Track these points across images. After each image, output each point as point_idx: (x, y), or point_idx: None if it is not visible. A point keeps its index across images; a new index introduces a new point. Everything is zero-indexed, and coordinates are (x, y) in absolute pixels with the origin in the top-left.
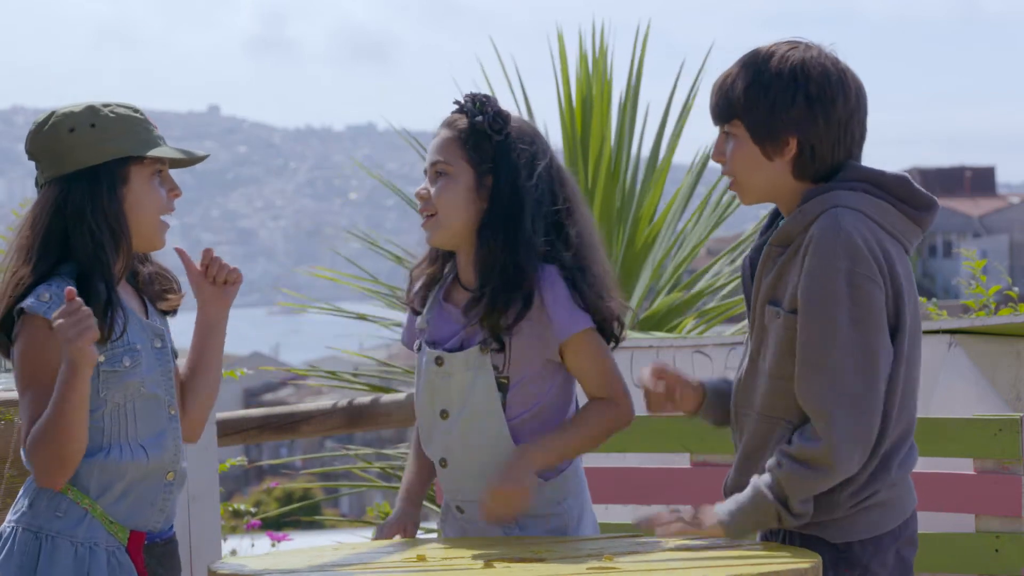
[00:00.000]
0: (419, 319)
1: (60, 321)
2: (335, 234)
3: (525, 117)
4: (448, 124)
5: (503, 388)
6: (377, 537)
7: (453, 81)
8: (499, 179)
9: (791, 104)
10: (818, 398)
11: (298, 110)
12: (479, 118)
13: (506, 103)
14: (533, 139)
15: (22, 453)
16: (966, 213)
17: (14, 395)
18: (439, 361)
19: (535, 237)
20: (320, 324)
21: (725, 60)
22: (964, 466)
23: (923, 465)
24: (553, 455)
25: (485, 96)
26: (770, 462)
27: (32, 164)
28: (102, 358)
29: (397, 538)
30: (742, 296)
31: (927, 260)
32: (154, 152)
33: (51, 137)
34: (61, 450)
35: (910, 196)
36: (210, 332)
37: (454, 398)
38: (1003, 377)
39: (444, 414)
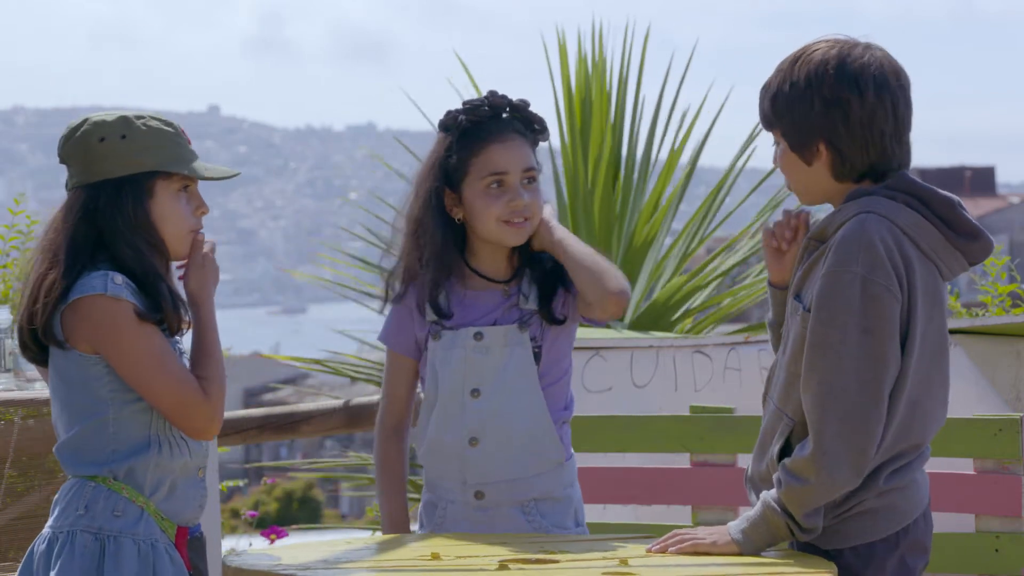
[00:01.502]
0: (429, 314)
1: (207, 254)
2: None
3: None
4: (517, 130)
5: (537, 358)
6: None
7: (448, 81)
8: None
9: (810, 110)
10: (814, 405)
11: (298, 110)
12: (542, 135)
13: None
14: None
15: (59, 448)
16: None
17: (14, 395)
18: (478, 336)
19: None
20: (320, 324)
21: (724, 60)
22: (964, 466)
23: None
24: (563, 232)
25: (526, 102)
26: (775, 475)
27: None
28: None
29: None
30: (742, 295)
31: None
32: (183, 169)
33: (81, 144)
34: (224, 386)
35: (955, 220)
36: (192, 306)
37: (487, 375)
38: (1003, 377)
39: (476, 393)
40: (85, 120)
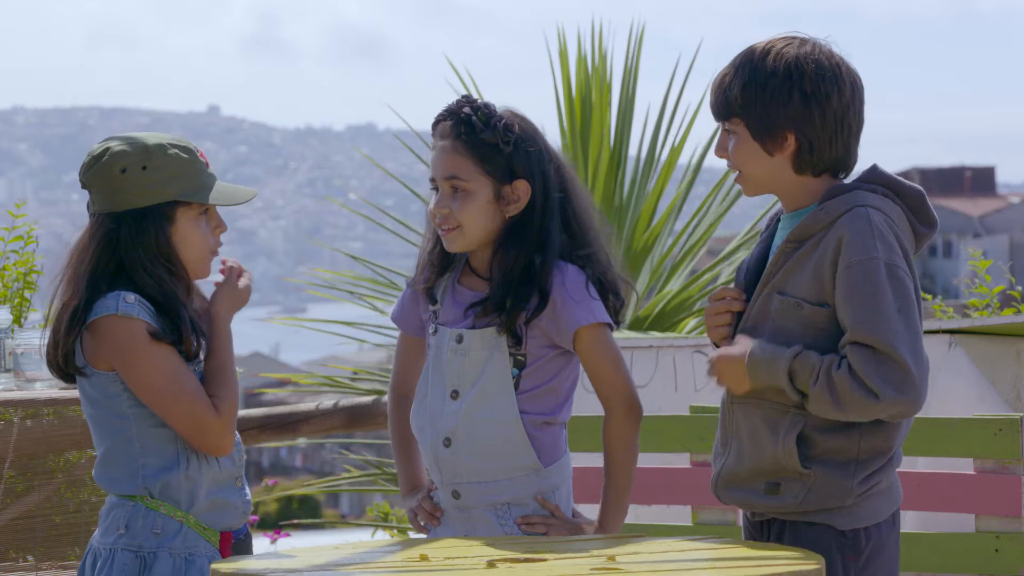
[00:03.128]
0: (435, 302)
1: (245, 282)
2: (335, 234)
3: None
4: (449, 135)
5: (520, 365)
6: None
7: (446, 81)
8: (518, 190)
9: (787, 101)
10: (890, 358)
11: (298, 110)
12: (486, 133)
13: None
14: (533, 136)
15: (98, 468)
16: (966, 213)
17: (14, 395)
18: (459, 339)
19: (554, 235)
20: (320, 324)
21: (725, 60)
22: (964, 466)
23: (923, 465)
24: (620, 512)
25: (484, 105)
26: (822, 357)
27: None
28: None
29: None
30: None
31: (927, 260)
32: (203, 198)
33: (102, 174)
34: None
35: (921, 211)
36: (214, 326)
37: (467, 377)
38: (1003, 377)
39: (455, 394)
40: (107, 150)
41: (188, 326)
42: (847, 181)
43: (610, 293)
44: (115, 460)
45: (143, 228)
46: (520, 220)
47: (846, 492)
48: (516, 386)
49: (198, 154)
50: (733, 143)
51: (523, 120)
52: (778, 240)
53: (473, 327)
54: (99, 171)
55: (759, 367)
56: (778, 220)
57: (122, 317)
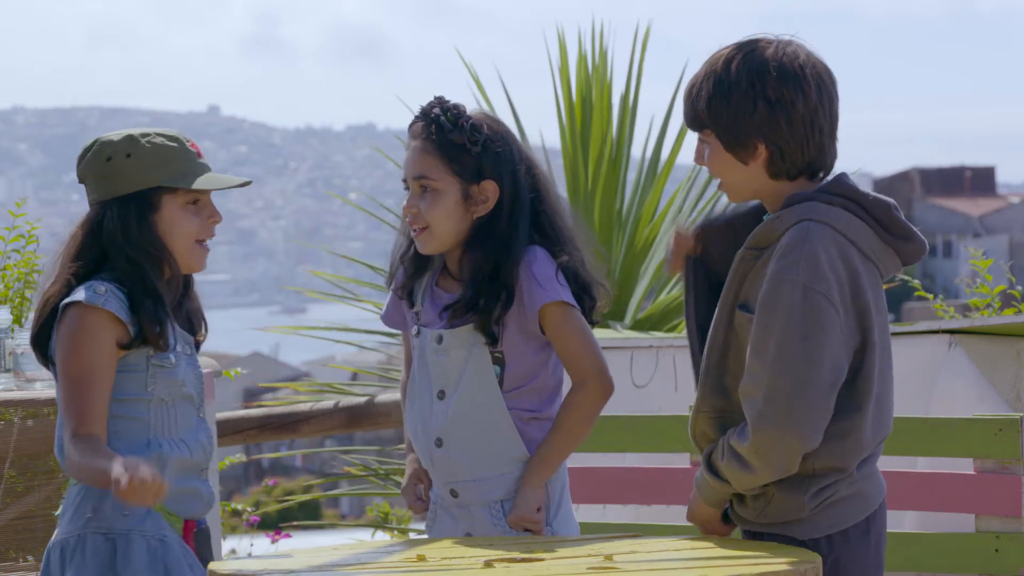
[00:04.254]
0: (414, 304)
1: (143, 481)
2: (335, 234)
3: (512, 118)
4: (420, 136)
5: (500, 363)
6: (410, 502)
7: (445, 81)
8: (486, 190)
9: (752, 111)
10: (752, 404)
11: (298, 110)
12: (454, 134)
13: (499, 104)
14: (504, 137)
15: (59, 448)
16: (966, 213)
17: (14, 395)
18: (439, 339)
19: (522, 236)
20: (320, 325)
21: None
22: (964, 466)
23: (923, 465)
24: (548, 468)
25: (454, 106)
26: (714, 453)
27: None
28: (151, 351)
29: (413, 524)
30: None
31: (927, 260)
32: (187, 184)
33: (91, 164)
34: (93, 480)
35: (890, 223)
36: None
37: (451, 377)
38: (1003, 377)
39: (441, 395)
40: (95, 141)
41: (151, 317)
42: (819, 186)
43: (584, 293)
44: None
45: (125, 215)
46: (488, 221)
47: (799, 506)
48: (500, 383)
49: (188, 144)
50: (708, 153)
51: (494, 122)
52: None
53: (451, 327)
54: (89, 162)
55: (700, 491)
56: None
57: (85, 307)
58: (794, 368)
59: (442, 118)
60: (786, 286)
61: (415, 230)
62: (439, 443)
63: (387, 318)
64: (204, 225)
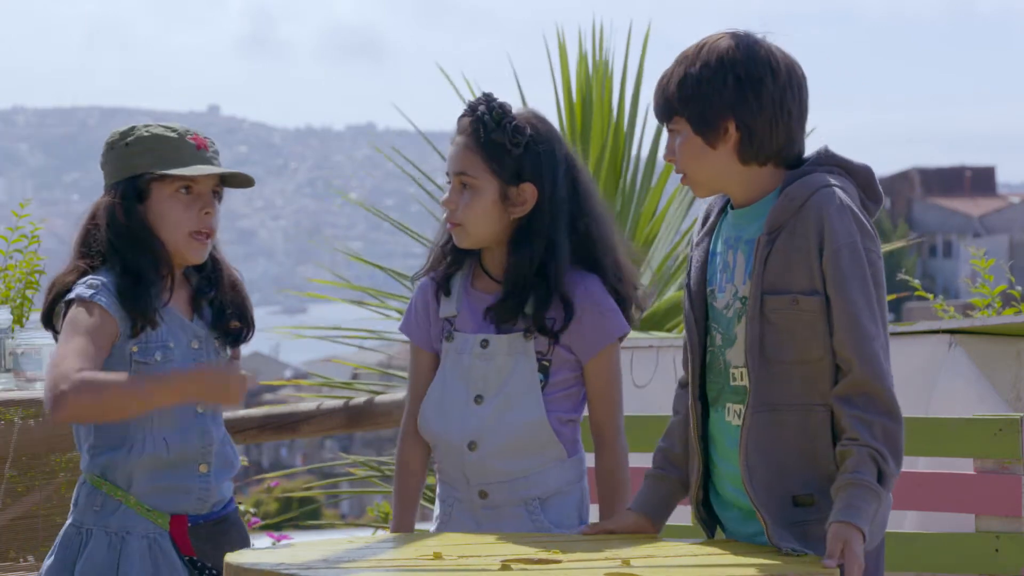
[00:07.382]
0: (444, 308)
1: (242, 377)
2: (335, 234)
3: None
4: (465, 132)
5: (544, 371)
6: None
7: (445, 81)
8: (524, 193)
9: (722, 88)
10: (880, 395)
11: (298, 110)
12: (496, 133)
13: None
14: (548, 138)
15: (76, 430)
16: (966, 213)
17: (14, 395)
18: (484, 344)
19: (564, 240)
20: (320, 324)
21: None
22: (964, 466)
23: (923, 465)
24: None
25: (500, 105)
26: (851, 446)
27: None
28: (135, 348)
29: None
30: None
31: (927, 260)
32: (173, 170)
33: (102, 153)
34: (101, 414)
35: (869, 187)
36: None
37: (491, 382)
38: (1003, 377)
39: (479, 399)
40: (114, 132)
41: (132, 305)
42: (809, 160)
43: (624, 304)
44: (77, 442)
45: (115, 201)
46: (528, 223)
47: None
48: (542, 388)
49: (188, 137)
50: (679, 142)
51: (540, 122)
52: (725, 236)
53: (499, 332)
54: (102, 151)
55: (862, 524)
56: (719, 217)
57: (81, 301)
58: (882, 332)
59: (486, 116)
60: (856, 251)
61: (450, 224)
62: (472, 446)
63: (409, 328)
64: (198, 217)
